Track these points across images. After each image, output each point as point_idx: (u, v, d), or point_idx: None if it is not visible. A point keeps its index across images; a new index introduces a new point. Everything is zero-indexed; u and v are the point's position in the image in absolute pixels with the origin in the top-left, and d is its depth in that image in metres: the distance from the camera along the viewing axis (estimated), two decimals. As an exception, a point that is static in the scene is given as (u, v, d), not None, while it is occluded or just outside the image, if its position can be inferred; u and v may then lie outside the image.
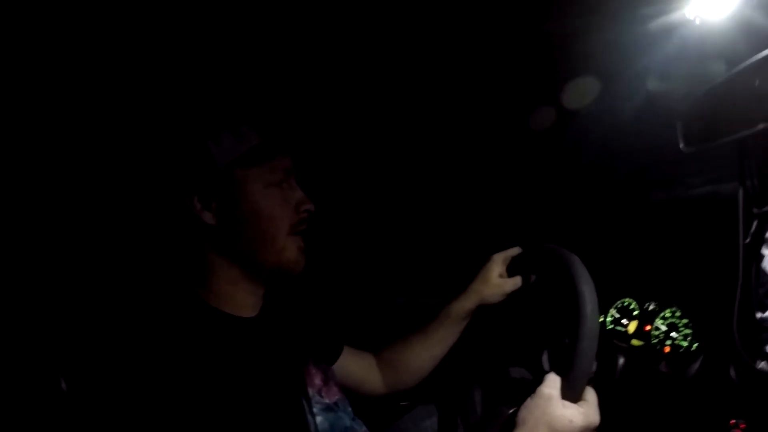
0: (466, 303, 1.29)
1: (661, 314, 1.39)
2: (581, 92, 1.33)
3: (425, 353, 1.32)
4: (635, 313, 1.47)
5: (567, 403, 0.94)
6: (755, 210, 1.02)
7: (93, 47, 1.00)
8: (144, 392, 0.81)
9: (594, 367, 1.24)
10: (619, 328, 1.48)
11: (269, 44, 1.12)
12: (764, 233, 1.01)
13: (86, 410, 0.95)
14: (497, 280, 1.29)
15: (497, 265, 1.30)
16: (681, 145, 1.09)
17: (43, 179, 1.21)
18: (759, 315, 1.01)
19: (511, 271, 1.30)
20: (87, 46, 0.99)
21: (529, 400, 0.96)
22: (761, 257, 1.01)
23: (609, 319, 1.52)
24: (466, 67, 1.31)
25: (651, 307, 1.43)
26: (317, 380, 1.08)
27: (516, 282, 1.28)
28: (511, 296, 1.29)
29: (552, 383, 0.96)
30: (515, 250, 1.31)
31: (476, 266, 1.33)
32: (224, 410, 0.82)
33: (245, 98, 1.24)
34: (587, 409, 0.95)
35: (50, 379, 0.97)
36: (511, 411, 1.14)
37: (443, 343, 1.32)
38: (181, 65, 1.13)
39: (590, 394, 0.98)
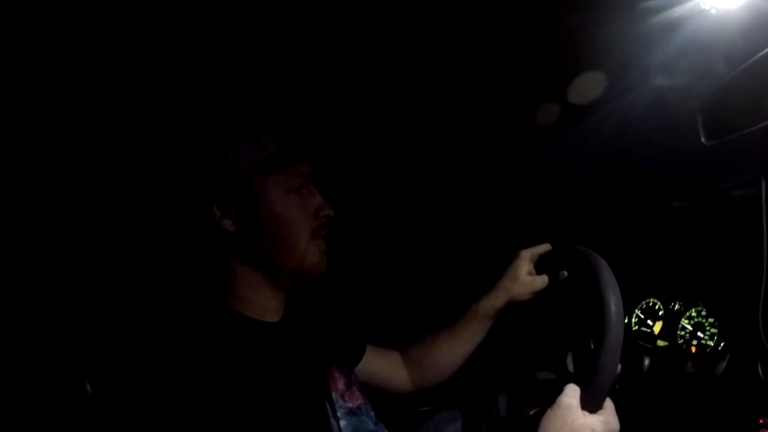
0: (496, 301, 1.27)
1: (687, 314, 1.37)
2: (595, 86, 1.32)
3: (453, 351, 1.31)
4: (660, 313, 1.45)
5: (587, 413, 0.95)
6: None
7: (112, 55, 1.02)
8: (168, 396, 0.82)
9: (618, 369, 1.23)
10: (644, 328, 1.47)
11: (286, 51, 1.13)
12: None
13: (110, 413, 0.96)
14: (526, 278, 1.26)
15: (525, 262, 1.27)
16: (702, 139, 1.08)
17: (70, 189, 1.24)
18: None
19: (539, 268, 1.28)
20: (106, 53, 1.01)
21: (549, 410, 0.97)
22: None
23: (634, 320, 1.51)
24: (481, 68, 1.30)
25: (676, 307, 1.41)
26: (340, 384, 1.09)
27: (545, 280, 1.25)
28: (539, 295, 1.27)
29: (572, 392, 0.97)
30: (544, 247, 1.29)
31: (499, 269, 1.31)
32: (248, 415, 0.82)
33: (262, 105, 1.25)
34: (607, 417, 0.96)
35: (76, 381, 0.98)
36: (532, 412, 1.13)
37: (471, 341, 1.30)
38: (198, 74, 1.14)
39: (608, 402, 0.99)
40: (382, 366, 1.30)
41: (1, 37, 0.91)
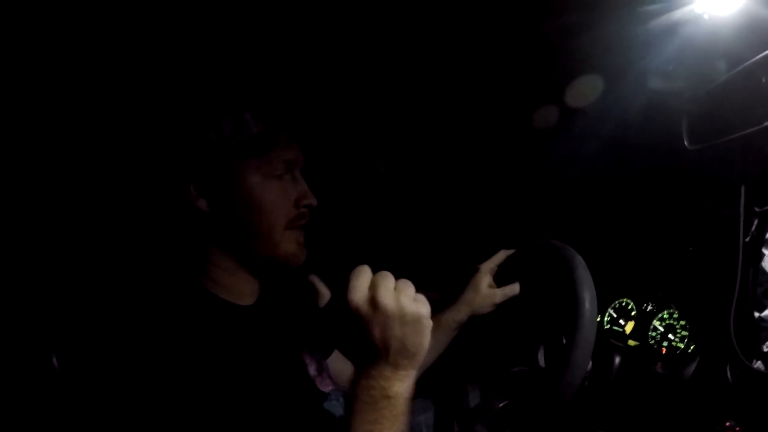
0: (458, 314, 1.31)
1: (659, 315, 1.39)
2: (587, 90, 1.33)
3: None
4: (633, 313, 1.46)
5: None
6: (756, 209, 1.02)
7: (92, 29, 0.99)
8: (139, 373, 0.80)
9: (589, 366, 1.24)
10: (616, 328, 1.48)
11: (281, 30, 1.11)
12: (765, 232, 1.00)
13: (77, 388, 0.94)
14: (487, 291, 1.31)
15: (485, 275, 1.33)
16: (686, 143, 1.09)
17: (41, 166, 1.21)
18: (757, 314, 1.01)
19: (498, 279, 1.33)
20: (85, 27, 0.98)
21: None
22: (761, 256, 1.01)
23: (606, 318, 1.52)
24: (470, 66, 1.31)
25: (649, 308, 1.42)
26: (312, 370, 1.08)
27: (505, 292, 1.30)
28: (503, 304, 1.31)
29: None
30: (500, 257, 1.34)
31: (475, 263, 1.33)
32: (218, 395, 0.81)
33: (252, 83, 1.21)
34: None
35: (42, 355, 0.96)
36: (502, 404, 1.14)
37: (432, 351, 1.32)
38: (184, 49, 1.11)
39: None
40: (348, 365, 1.29)
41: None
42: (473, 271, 1.35)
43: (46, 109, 1.15)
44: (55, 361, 0.97)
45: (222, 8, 1.01)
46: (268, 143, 0.96)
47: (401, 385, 0.81)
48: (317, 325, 1.22)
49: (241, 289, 0.99)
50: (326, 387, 1.08)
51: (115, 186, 1.21)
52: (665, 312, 1.38)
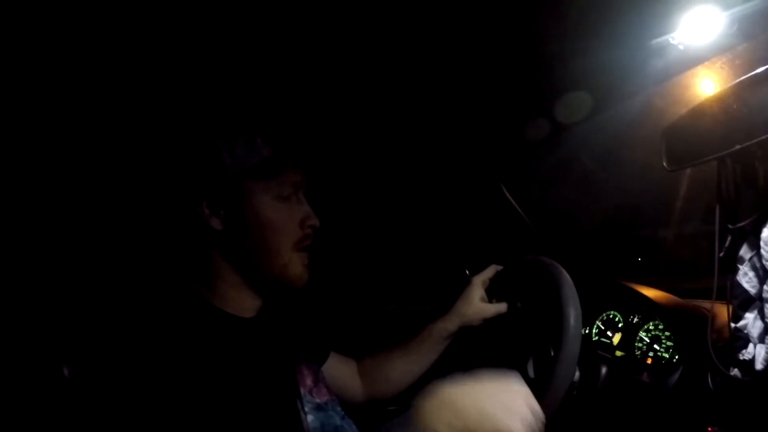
0: (450, 325, 1.34)
1: (645, 327, 1.43)
2: (570, 111, 1.37)
3: (404, 368, 1.35)
4: (620, 325, 1.51)
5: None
6: (730, 226, 1.07)
7: (111, 47, 1.01)
8: (142, 384, 0.83)
9: (577, 377, 1.29)
10: (604, 339, 1.52)
11: (289, 58, 1.14)
12: (738, 247, 1.05)
13: (86, 398, 0.97)
14: (479, 304, 1.33)
15: (478, 288, 1.35)
16: (664, 164, 1.14)
17: (56, 176, 1.24)
18: (733, 325, 1.06)
19: (491, 293, 1.36)
20: (105, 46, 1.00)
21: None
22: (736, 270, 1.05)
23: (595, 330, 1.57)
24: (455, 86, 1.34)
25: (635, 320, 1.47)
26: (308, 380, 1.11)
27: (498, 308, 1.32)
28: (494, 318, 1.33)
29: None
30: (491, 271, 1.37)
31: (465, 278, 1.36)
32: (217, 406, 0.84)
33: (261, 109, 1.26)
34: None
35: (53, 365, 0.99)
36: None
37: (423, 360, 1.36)
38: (201, 72, 1.14)
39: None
40: (341, 372, 1.33)
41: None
42: (465, 282, 1.37)
43: (65, 125, 1.17)
44: (66, 371, 1.00)
45: (234, 37, 1.05)
46: (278, 166, 1.01)
47: None
48: (312, 335, 1.25)
49: (246, 304, 1.03)
50: (323, 397, 1.10)
51: (130, 202, 1.25)
52: (651, 323, 1.42)
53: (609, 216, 1.78)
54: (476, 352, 1.41)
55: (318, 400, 1.09)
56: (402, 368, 1.35)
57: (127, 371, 0.85)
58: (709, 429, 1.10)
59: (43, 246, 1.25)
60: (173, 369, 0.85)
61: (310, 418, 1.03)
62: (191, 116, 1.11)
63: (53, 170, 1.23)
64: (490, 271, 1.37)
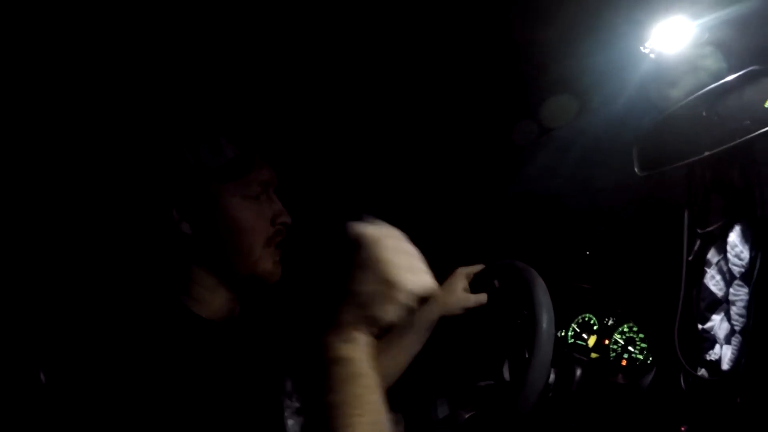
0: (430, 314, 1.34)
1: (619, 329, 1.46)
2: (552, 116, 1.40)
3: (389, 361, 1.35)
4: (595, 328, 1.53)
5: None
6: (699, 230, 1.10)
7: (77, 52, 1.02)
8: (119, 390, 0.82)
9: (552, 379, 1.31)
10: (579, 342, 1.55)
11: (250, 55, 1.14)
12: (706, 251, 1.08)
13: (62, 403, 0.97)
14: (461, 294, 1.36)
15: (461, 278, 1.38)
16: (636, 169, 1.17)
17: (30, 181, 1.23)
18: (700, 326, 1.08)
19: (473, 286, 1.38)
20: (71, 50, 1.01)
21: None
22: (703, 273, 1.08)
23: (570, 333, 1.59)
24: (440, 87, 1.36)
25: (610, 323, 1.50)
26: (289, 385, 1.10)
27: (478, 299, 1.35)
28: (471, 318, 1.36)
29: None
30: (477, 267, 1.39)
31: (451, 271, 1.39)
32: (195, 411, 0.84)
33: (225, 109, 1.25)
34: None
35: (30, 371, 0.99)
36: (468, 415, 1.20)
37: (407, 351, 1.36)
38: (163, 76, 1.15)
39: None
40: None
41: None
42: (449, 273, 1.39)
43: (32, 128, 1.17)
44: (42, 377, 1.00)
45: (197, 38, 1.06)
46: (244, 167, 1.01)
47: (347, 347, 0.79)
48: (294, 337, 1.26)
49: (222, 307, 1.02)
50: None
51: (100, 209, 1.24)
52: (625, 326, 1.45)
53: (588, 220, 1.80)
54: (453, 358, 1.43)
55: (298, 404, 1.08)
56: (386, 362, 1.34)
57: (104, 378, 0.84)
58: (683, 428, 1.13)
59: (19, 252, 1.24)
60: (150, 375, 0.84)
61: (290, 422, 1.03)
62: (154, 123, 1.10)
63: (23, 177, 1.22)
64: (475, 267, 1.40)
